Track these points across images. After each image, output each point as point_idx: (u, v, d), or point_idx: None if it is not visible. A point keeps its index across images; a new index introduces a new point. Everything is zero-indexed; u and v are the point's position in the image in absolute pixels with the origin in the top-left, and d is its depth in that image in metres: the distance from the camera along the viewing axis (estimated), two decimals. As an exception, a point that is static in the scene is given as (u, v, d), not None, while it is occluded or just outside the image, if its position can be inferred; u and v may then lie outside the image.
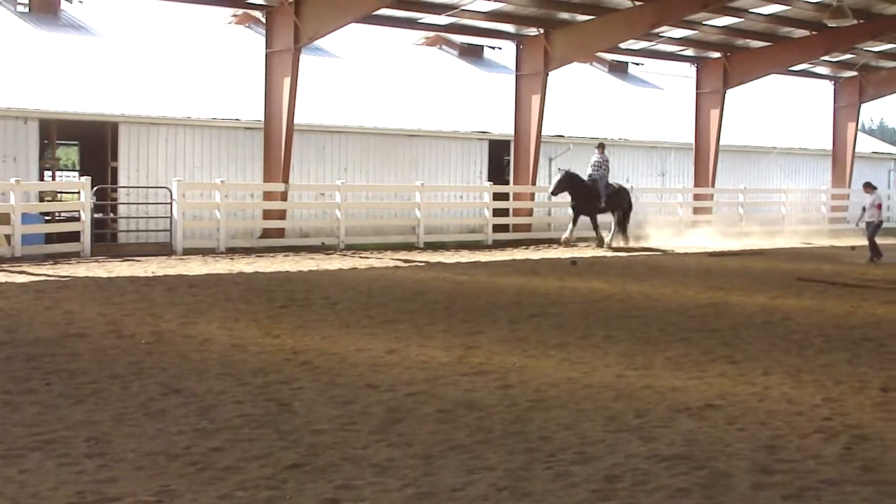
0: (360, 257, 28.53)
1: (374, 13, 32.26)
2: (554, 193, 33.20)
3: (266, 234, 31.11)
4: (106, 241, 29.58)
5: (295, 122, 31.11)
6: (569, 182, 32.65)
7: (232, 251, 28.34)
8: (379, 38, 43.98)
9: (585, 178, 33.13)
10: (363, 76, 40.13)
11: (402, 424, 10.00)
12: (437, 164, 38.03)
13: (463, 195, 37.78)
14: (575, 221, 33.22)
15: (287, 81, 30.61)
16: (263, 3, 31.97)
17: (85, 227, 26.90)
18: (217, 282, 21.69)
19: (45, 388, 11.22)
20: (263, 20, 33.21)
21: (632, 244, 34.00)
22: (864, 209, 31.00)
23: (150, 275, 22.67)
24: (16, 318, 16.02)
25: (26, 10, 35.39)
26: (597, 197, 32.86)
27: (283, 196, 31.10)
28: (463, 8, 34.30)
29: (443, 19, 35.91)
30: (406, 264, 27.07)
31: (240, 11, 38.59)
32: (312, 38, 31.44)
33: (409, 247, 31.93)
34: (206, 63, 36.19)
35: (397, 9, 33.49)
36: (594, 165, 33.47)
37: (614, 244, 33.26)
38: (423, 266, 26.73)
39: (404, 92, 39.98)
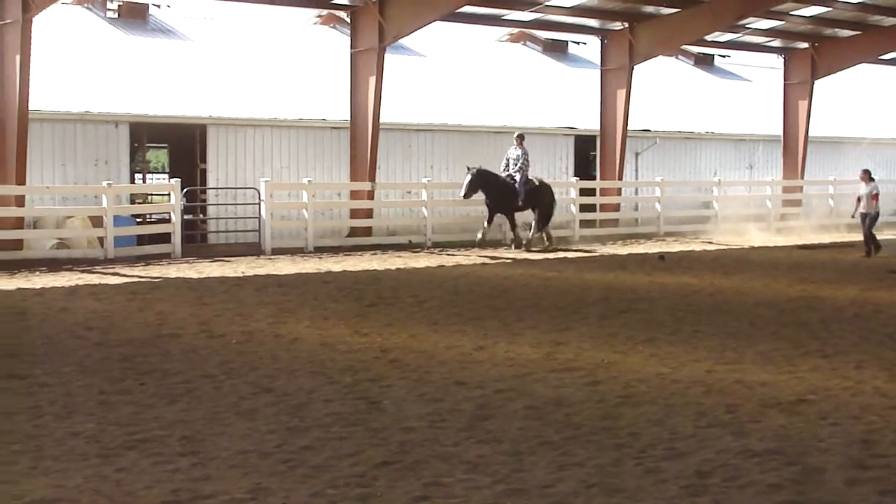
0: (447, 255, 28.58)
1: (458, 10, 32.28)
2: (466, 196, 29.94)
3: (353, 232, 31.24)
4: (196, 242, 29.89)
5: (380, 120, 31.23)
6: (480, 181, 29.83)
7: (320, 250, 28.52)
8: (463, 35, 43.91)
9: (501, 172, 30.52)
10: (447, 74, 40.15)
11: (492, 421, 10.02)
12: (523, 161, 37.91)
13: (549, 191, 37.61)
14: (490, 221, 30.34)
15: (372, 80, 30.75)
16: (348, 3, 32.14)
17: (175, 228, 27.19)
18: (306, 281, 21.84)
19: (140, 388, 11.38)
20: (348, 20, 33.38)
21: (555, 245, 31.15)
22: (858, 199, 29.18)
23: (240, 275, 22.89)
24: (110, 320, 16.25)
25: (115, 15, 35.80)
26: (514, 195, 30.09)
27: (370, 195, 31.24)
28: (547, 3, 34.21)
29: (527, 15, 35.86)
30: (493, 261, 27.07)
31: (324, 12, 38.73)
32: (396, 36, 31.56)
33: (497, 244, 31.88)
34: (292, 64, 36.40)
35: (481, 6, 33.49)
36: (513, 160, 30.53)
37: (534, 246, 30.41)
38: (510, 263, 26.72)
39: (489, 89, 39.93)
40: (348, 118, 31.68)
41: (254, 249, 28.23)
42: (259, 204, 28.82)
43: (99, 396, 10.97)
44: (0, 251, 25.40)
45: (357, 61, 31.42)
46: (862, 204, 28.94)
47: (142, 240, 27.95)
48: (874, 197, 28.86)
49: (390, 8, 30.65)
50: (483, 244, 29.85)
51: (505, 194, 30.04)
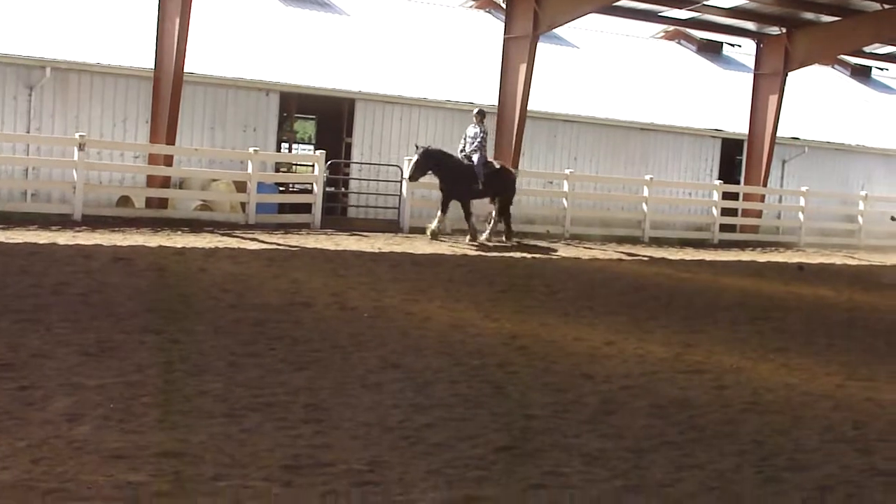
0: (584, 247, 28.45)
1: (615, 4, 32.07)
2: (412, 178, 26.16)
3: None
4: (336, 214, 30.18)
5: (528, 108, 31.18)
6: (429, 161, 25.71)
7: (458, 232, 28.59)
8: (617, 29, 43.72)
9: (458, 153, 26.56)
10: (599, 67, 39.98)
11: (615, 416, 9.98)
12: (668, 160, 37.67)
13: (692, 192, 37.32)
14: (444, 209, 26.31)
15: (523, 68, 30.68)
16: (505, -12, 32.14)
17: (317, 199, 27.44)
18: (441, 262, 21.93)
19: (269, 353, 11.53)
20: (503, 5, 33.38)
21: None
22: None
23: (377, 250, 23.04)
24: (246, 283, 16.49)
25: (275, -16, 36.33)
26: (472, 178, 26.07)
27: (512, 181, 31.19)
28: (705, 3, 33.80)
29: (683, 13, 35.50)
30: (629, 258, 26.90)
31: (481, -4, 38.91)
32: (551, 25, 31.44)
33: (634, 240, 31.68)
34: (444, 45, 36.53)
35: (638, 0, 33.24)
36: (470, 138, 26.48)
37: (493, 239, 26.94)
38: (646, 261, 26.52)
39: (639, 84, 39.66)
40: (496, 103, 31.68)
41: (392, 226, 28.37)
42: (401, 182, 28.97)
43: (229, 357, 11.14)
44: (146, 208, 25.97)
45: (509, 47, 31.39)
46: None
47: (283, 208, 28.30)
48: None
49: (548, -4, 30.58)
50: (436, 236, 26.20)
51: (460, 177, 26.04)
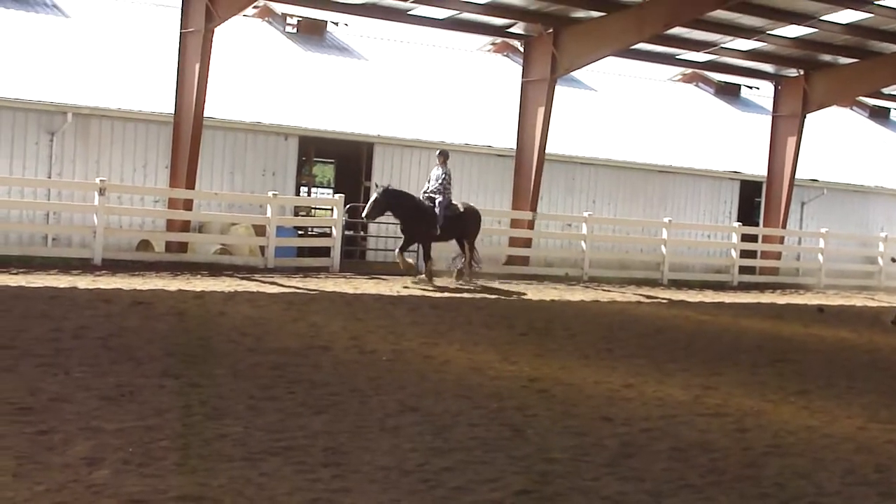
0: (603, 290, 28.43)
1: (632, 47, 32.17)
2: (369, 217, 25.59)
3: (510, 261, 31.25)
4: (355, 258, 30.23)
5: (546, 151, 31.25)
6: (388, 202, 25.15)
7: (476, 276, 28.55)
8: (635, 72, 43.80)
9: (422, 195, 26.00)
10: (617, 109, 40.06)
11: (635, 459, 9.94)
12: (686, 202, 37.69)
13: (710, 234, 37.32)
14: (404, 247, 25.60)
15: (541, 111, 30.79)
16: (522, 32, 32.27)
17: (336, 243, 27.52)
18: (459, 305, 21.93)
19: (288, 397, 11.52)
20: (521, 49, 33.55)
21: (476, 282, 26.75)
22: None
23: (395, 294, 23.07)
24: (264, 327, 16.51)
25: (294, 30, 36.54)
26: (431, 220, 25.42)
27: (530, 224, 31.26)
28: (722, 46, 33.93)
29: (701, 56, 35.58)
30: (648, 300, 26.86)
31: (498, 40, 39.01)
32: (569, 69, 31.58)
33: (653, 283, 31.67)
34: (462, 89, 36.67)
35: (656, 44, 33.32)
36: (434, 180, 25.94)
37: (463, 280, 26.37)
38: (665, 303, 26.49)
39: (657, 127, 39.73)
40: (514, 146, 31.78)
41: (411, 270, 28.36)
42: (419, 225, 28.95)
43: (248, 401, 11.14)
44: (166, 252, 26.06)
45: (527, 90, 31.51)
46: None
47: (302, 252, 28.34)
48: None
49: (565, 40, 30.67)
50: (409, 271, 25.82)
51: (419, 218, 25.42)
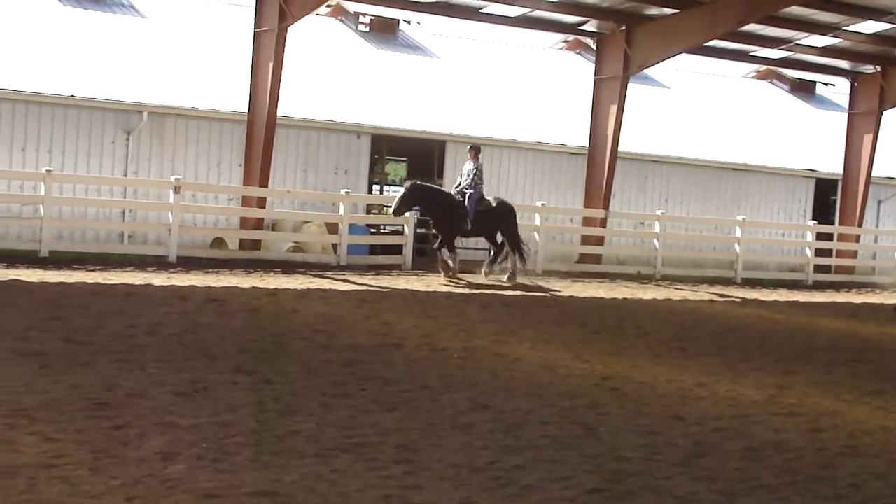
0: (676, 288, 28.27)
1: (705, 44, 31.96)
2: (397, 212, 25.37)
3: (583, 259, 31.18)
4: (426, 255, 30.26)
5: (618, 149, 31.16)
6: (417, 197, 24.96)
7: (548, 274, 28.51)
8: (708, 69, 43.52)
9: (454, 189, 25.78)
10: (690, 107, 39.83)
11: (707, 459, 9.88)
12: (760, 200, 37.40)
13: (785, 233, 37.01)
14: (441, 244, 25.43)
15: (613, 109, 30.71)
16: (595, 30, 32.19)
17: (407, 240, 27.61)
18: (531, 303, 21.90)
19: (360, 394, 11.57)
20: (594, 47, 33.46)
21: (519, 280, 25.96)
22: None
23: (467, 291, 23.08)
24: (337, 325, 16.59)
25: (367, 29, 36.67)
26: (461, 216, 25.02)
27: (603, 223, 31.17)
28: (797, 42, 33.62)
29: (775, 53, 35.29)
30: (721, 299, 26.68)
31: (571, 37, 38.90)
32: (641, 66, 31.49)
33: (726, 281, 31.44)
34: (534, 87, 36.60)
35: (729, 41, 33.09)
36: (466, 175, 25.58)
37: (505, 278, 25.57)
38: (738, 302, 26.29)
39: (731, 125, 39.46)
40: (586, 144, 31.71)
41: (448, 269, 28.28)
42: (492, 222, 28.94)
43: (320, 398, 11.19)
44: (239, 250, 26.26)
45: (600, 88, 31.43)
46: None
47: (374, 249, 28.45)
48: None
49: (637, 37, 30.58)
50: (448, 271, 25.29)
51: (449, 214, 25.13)
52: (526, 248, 26.49)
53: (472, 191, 25.26)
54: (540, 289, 25.10)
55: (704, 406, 12.29)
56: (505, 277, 25.63)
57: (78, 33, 30.02)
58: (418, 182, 25.61)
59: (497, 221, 25.88)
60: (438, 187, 26.36)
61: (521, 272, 26.22)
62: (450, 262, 25.37)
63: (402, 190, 25.16)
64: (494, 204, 25.86)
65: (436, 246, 25.59)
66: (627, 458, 9.68)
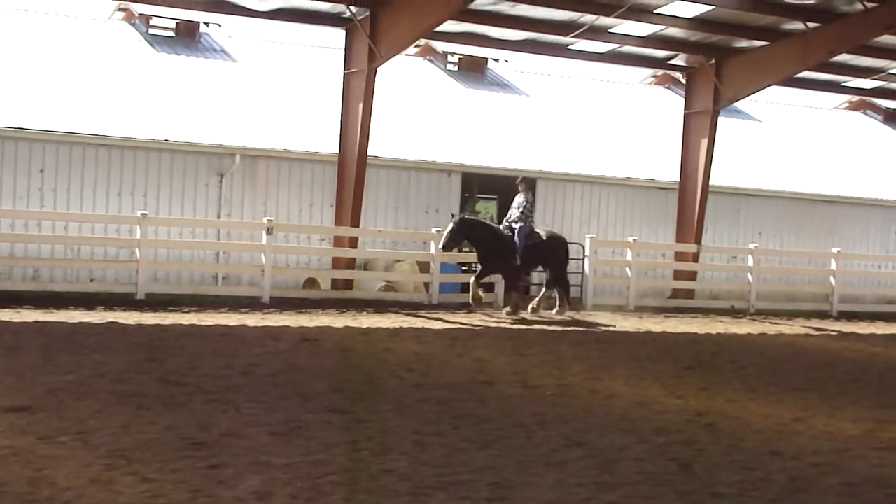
0: (770, 323, 27.99)
1: (796, 76, 31.70)
2: (446, 248, 25.00)
3: (675, 294, 31.00)
4: (518, 293, 30.21)
5: (710, 183, 30.99)
6: (465, 232, 24.65)
7: (640, 309, 28.37)
8: (799, 101, 43.21)
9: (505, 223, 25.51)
10: (782, 139, 39.52)
11: (805, 495, 9.75)
12: (856, 232, 36.95)
13: (882, 265, 36.51)
14: (480, 276, 25.27)
15: (704, 142, 30.59)
16: (684, 64, 32.10)
17: (499, 278, 27.59)
18: (624, 339, 21.80)
19: (453, 432, 11.56)
20: (683, 81, 33.35)
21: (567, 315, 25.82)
22: None
23: (558, 329, 23.01)
24: (430, 363, 16.62)
25: (455, 68, 36.86)
26: (510, 251, 24.70)
27: (695, 257, 30.97)
28: (890, 72, 33.25)
29: (868, 83, 34.93)
30: (817, 332, 26.37)
31: (660, 72, 38.79)
32: (732, 99, 31.35)
33: (822, 315, 31.08)
34: (624, 122, 36.55)
35: (821, 72, 32.82)
36: (516, 208, 25.30)
37: (555, 314, 25.40)
38: (835, 335, 25.96)
39: (824, 156, 39.10)
40: (677, 179, 31.57)
41: (575, 304, 28.28)
42: (583, 259, 28.93)
43: (413, 436, 11.21)
44: (332, 290, 26.41)
45: (690, 122, 31.32)
46: None
47: (465, 287, 28.43)
48: None
49: (727, 71, 30.46)
50: (479, 303, 25.06)
51: (497, 249, 24.73)
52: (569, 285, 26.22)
53: (521, 224, 24.98)
54: (584, 323, 24.95)
55: (801, 441, 12.14)
56: (553, 312, 25.46)
57: (171, 78, 30.49)
58: (466, 216, 25.64)
59: (548, 256, 25.51)
60: (487, 221, 26.25)
61: (569, 308, 26.07)
62: (518, 302, 25.07)
63: (450, 225, 24.82)
64: (545, 237, 25.54)
65: (473, 278, 25.15)
66: (723, 495, 9.58)
